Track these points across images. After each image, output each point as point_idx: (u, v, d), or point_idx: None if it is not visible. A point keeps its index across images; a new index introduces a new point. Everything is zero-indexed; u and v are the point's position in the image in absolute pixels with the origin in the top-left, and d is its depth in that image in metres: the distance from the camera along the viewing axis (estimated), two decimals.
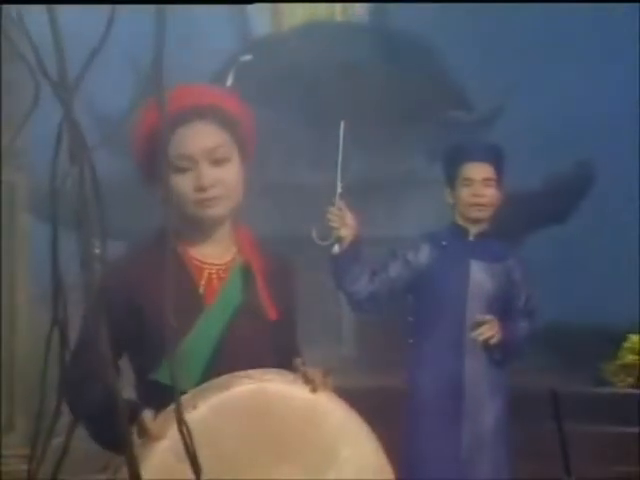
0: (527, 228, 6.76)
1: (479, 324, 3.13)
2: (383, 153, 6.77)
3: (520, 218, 6.50)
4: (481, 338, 3.11)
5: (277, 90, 6.65)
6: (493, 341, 3.11)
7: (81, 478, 4.81)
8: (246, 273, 1.82)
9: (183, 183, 1.76)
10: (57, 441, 1.15)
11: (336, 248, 3.13)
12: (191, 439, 1.37)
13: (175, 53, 1.23)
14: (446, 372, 3.18)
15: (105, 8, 1.09)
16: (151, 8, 1.15)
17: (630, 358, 6.35)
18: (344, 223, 3.12)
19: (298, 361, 1.68)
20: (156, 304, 1.64)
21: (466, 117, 7.18)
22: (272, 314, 1.80)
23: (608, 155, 6.79)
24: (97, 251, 1.24)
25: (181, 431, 1.44)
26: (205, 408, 1.51)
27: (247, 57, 7.09)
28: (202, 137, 1.77)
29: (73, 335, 1.29)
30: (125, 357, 1.82)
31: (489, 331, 3.11)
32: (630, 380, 6.31)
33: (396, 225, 5.87)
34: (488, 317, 3.15)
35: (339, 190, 3.13)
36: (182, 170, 1.75)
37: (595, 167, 6.75)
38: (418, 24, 7.29)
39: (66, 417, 1.23)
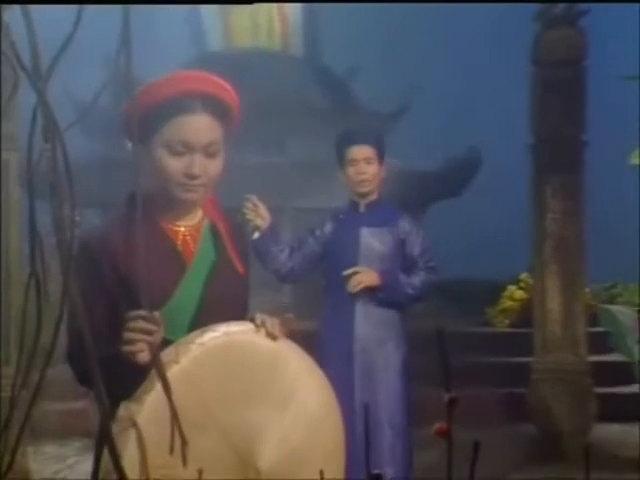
0: (430, 200, 6.83)
1: (347, 278, 3.14)
2: (319, 141, 6.77)
3: (425, 192, 6.57)
4: (349, 289, 3.13)
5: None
6: (358, 288, 3.13)
7: (60, 404, 4.78)
8: (214, 233, 1.71)
9: (174, 165, 1.60)
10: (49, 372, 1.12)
11: (256, 234, 3.13)
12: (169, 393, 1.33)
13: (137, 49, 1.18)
14: (341, 319, 3.18)
15: (74, 8, 1.05)
16: (118, 8, 1.12)
17: (508, 304, 6.50)
18: (258, 214, 3.11)
19: (258, 315, 1.57)
20: (136, 263, 1.45)
21: (381, 111, 7.20)
22: (241, 269, 1.71)
23: (495, 141, 6.89)
24: (77, 218, 1.20)
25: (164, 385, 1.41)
26: (187, 362, 1.44)
27: None
28: (203, 130, 1.60)
29: (52, 286, 1.24)
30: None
31: (354, 280, 3.14)
32: (507, 322, 6.46)
33: (328, 198, 5.87)
34: (357, 268, 3.16)
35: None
36: (177, 153, 1.59)
37: (483, 151, 6.85)
38: (344, 44, 7.35)
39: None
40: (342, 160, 3.24)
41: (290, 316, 1.60)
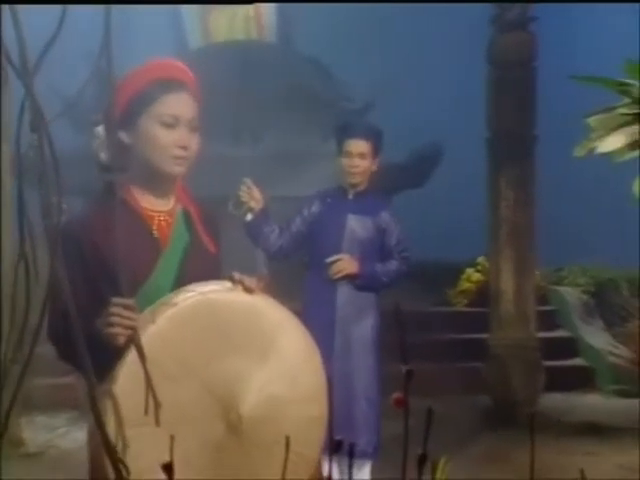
0: (396, 190, 6.86)
1: (330, 263, 3.14)
2: (291, 133, 6.74)
3: (391, 183, 6.60)
4: (330, 273, 3.14)
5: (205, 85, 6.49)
6: (339, 275, 3.14)
7: (50, 379, 4.74)
8: (187, 217, 1.72)
9: (167, 138, 1.62)
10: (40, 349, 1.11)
11: (249, 216, 3.10)
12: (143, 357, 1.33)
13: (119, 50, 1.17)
14: (324, 298, 3.17)
15: (58, 8, 1.04)
16: (100, 8, 1.10)
17: (466, 285, 6.56)
18: (252, 197, 3.07)
19: (236, 274, 1.55)
20: (115, 247, 1.42)
21: (350, 106, 7.19)
22: (212, 249, 1.71)
23: (455, 135, 6.92)
24: (64, 206, 1.19)
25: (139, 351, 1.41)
26: (162, 321, 1.43)
27: None
28: (187, 106, 1.65)
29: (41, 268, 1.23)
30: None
31: (336, 268, 3.15)
32: (465, 301, 6.52)
33: (298, 187, 5.86)
34: (340, 256, 3.16)
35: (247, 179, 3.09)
36: (169, 126, 1.62)
37: (444, 145, 6.89)
38: (316, 41, 7.30)
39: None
40: (339, 149, 3.23)
41: (265, 273, 1.59)
